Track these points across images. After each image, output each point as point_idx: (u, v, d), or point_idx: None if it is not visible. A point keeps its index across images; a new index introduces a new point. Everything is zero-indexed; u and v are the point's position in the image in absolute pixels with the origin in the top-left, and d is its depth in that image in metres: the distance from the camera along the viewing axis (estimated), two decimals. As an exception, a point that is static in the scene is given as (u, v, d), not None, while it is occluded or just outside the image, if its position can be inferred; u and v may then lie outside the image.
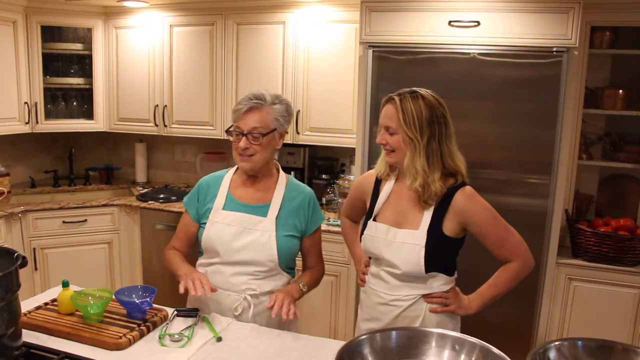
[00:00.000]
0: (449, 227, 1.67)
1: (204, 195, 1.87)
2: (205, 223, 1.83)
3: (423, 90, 1.68)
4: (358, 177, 2.02)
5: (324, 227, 3.02)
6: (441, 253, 1.68)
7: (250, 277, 1.79)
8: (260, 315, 1.79)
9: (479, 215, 1.66)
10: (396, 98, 1.66)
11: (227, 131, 1.80)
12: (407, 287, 1.71)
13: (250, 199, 1.84)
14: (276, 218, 1.81)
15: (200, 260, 1.89)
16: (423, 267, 1.65)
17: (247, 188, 1.86)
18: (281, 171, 1.92)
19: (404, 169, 1.70)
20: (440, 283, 1.71)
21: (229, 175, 1.90)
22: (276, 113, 1.76)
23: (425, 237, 1.66)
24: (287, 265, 1.87)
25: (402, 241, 1.68)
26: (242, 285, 1.79)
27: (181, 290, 1.63)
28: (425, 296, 1.70)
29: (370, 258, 1.86)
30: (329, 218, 3.18)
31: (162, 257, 1.93)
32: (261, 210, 1.82)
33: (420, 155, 1.63)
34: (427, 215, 1.68)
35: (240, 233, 1.78)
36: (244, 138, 1.74)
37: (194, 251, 1.95)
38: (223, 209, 1.82)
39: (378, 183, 1.83)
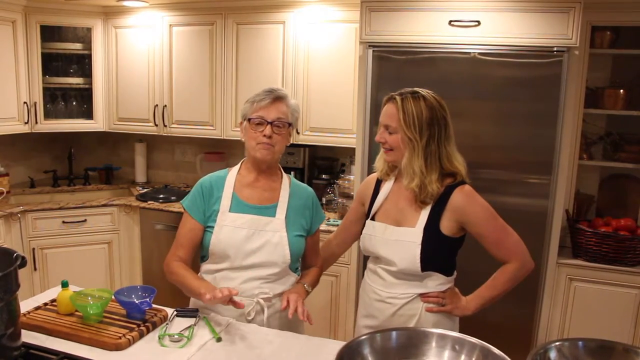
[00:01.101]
0: (447, 225, 1.67)
1: (208, 196, 1.81)
2: (211, 226, 1.79)
3: (425, 91, 1.68)
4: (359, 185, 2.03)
5: (323, 227, 3.03)
6: (438, 252, 1.68)
7: (263, 281, 1.77)
8: (273, 317, 1.78)
9: (476, 214, 1.66)
10: (397, 97, 1.66)
11: (248, 120, 1.76)
12: (403, 285, 1.71)
13: (257, 200, 1.81)
14: (285, 218, 1.80)
15: (206, 266, 1.84)
16: (419, 265, 1.65)
17: (253, 189, 1.83)
18: (283, 171, 1.92)
19: (402, 168, 1.70)
20: (437, 283, 1.71)
21: (231, 175, 1.85)
22: (293, 108, 1.80)
23: (421, 235, 1.66)
24: (295, 265, 1.87)
25: (398, 239, 1.69)
26: (255, 290, 1.76)
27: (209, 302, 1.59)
28: (421, 295, 1.70)
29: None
30: (329, 218, 3.18)
31: (166, 269, 1.79)
32: (269, 210, 1.80)
33: (419, 156, 1.64)
34: (425, 214, 1.68)
35: (252, 235, 1.75)
36: (269, 126, 1.73)
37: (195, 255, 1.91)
38: (230, 211, 1.78)
39: (379, 184, 1.83)
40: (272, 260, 1.77)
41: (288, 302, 1.68)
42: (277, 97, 1.75)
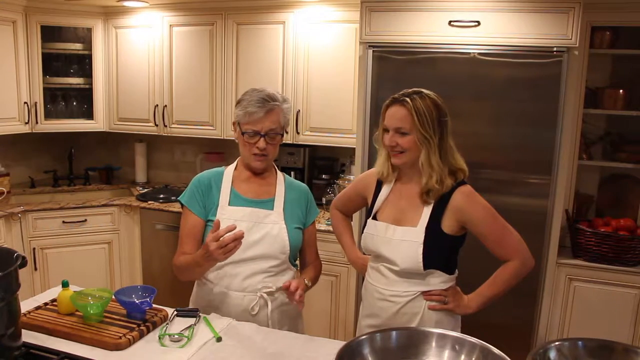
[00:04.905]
0: (448, 225, 1.69)
1: (206, 191, 1.85)
2: (211, 220, 1.80)
3: (425, 91, 1.71)
4: (361, 174, 2.05)
5: (324, 227, 3.03)
6: (440, 250, 1.70)
7: (265, 275, 1.80)
8: (276, 311, 1.81)
9: (477, 214, 1.68)
10: (407, 99, 1.67)
11: (242, 133, 1.78)
12: (405, 283, 1.72)
13: (255, 194, 1.85)
14: (283, 210, 1.84)
15: None
16: (421, 264, 1.67)
17: (250, 184, 1.87)
18: (277, 168, 1.96)
19: (408, 169, 1.73)
20: (439, 281, 1.72)
21: (229, 171, 1.89)
22: (286, 112, 1.82)
23: (423, 234, 1.67)
24: (294, 258, 1.91)
25: (400, 238, 1.70)
26: (258, 284, 1.79)
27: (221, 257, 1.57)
28: (424, 293, 1.71)
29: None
30: (329, 218, 3.18)
31: (175, 268, 1.81)
32: (267, 204, 1.84)
33: (435, 152, 1.67)
34: (426, 213, 1.70)
35: (252, 228, 1.79)
36: (262, 139, 1.76)
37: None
38: (229, 205, 1.82)
39: (380, 182, 1.84)
40: (273, 251, 1.80)
41: (289, 284, 1.69)
42: (269, 110, 1.75)
